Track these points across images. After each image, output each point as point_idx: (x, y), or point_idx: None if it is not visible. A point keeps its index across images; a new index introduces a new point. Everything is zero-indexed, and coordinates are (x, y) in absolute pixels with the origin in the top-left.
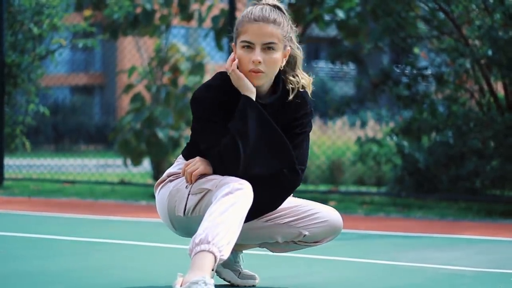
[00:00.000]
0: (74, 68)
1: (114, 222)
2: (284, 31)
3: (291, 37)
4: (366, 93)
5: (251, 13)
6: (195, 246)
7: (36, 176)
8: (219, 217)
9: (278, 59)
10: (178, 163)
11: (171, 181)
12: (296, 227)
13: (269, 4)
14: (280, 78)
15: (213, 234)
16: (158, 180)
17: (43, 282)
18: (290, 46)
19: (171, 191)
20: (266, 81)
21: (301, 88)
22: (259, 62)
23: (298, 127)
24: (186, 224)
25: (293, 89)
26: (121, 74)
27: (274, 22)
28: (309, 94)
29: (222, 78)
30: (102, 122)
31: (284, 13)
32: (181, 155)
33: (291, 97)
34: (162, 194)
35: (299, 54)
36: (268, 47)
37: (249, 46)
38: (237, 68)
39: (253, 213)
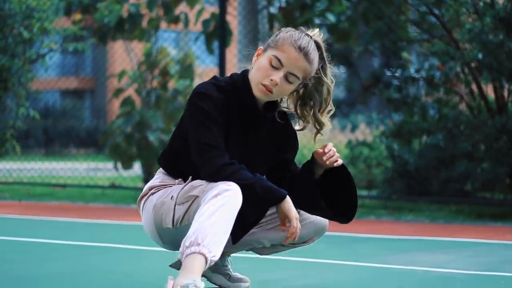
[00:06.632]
0: (65, 72)
1: (105, 225)
2: (312, 70)
3: (318, 72)
4: (356, 96)
5: (298, 39)
6: (185, 249)
7: (26, 179)
8: (208, 219)
9: (290, 91)
10: (158, 177)
11: (153, 194)
12: (282, 231)
13: (316, 42)
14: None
15: (203, 236)
16: (140, 195)
17: (34, 286)
18: (312, 81)
19: (155, 204)
20: (268, 100)
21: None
22: (276, 84)
23: (290, 152)
24: (175, 235)
25: (285, 113)
26: (111, 78)
27: (310, 62)
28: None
29: (226, 82)
30: (93, 126)
31: (321, 52)
32: (160, 170)
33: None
34: (146, 209)
35: (325, 91)
36: (290, 77)
37: (277, 63)
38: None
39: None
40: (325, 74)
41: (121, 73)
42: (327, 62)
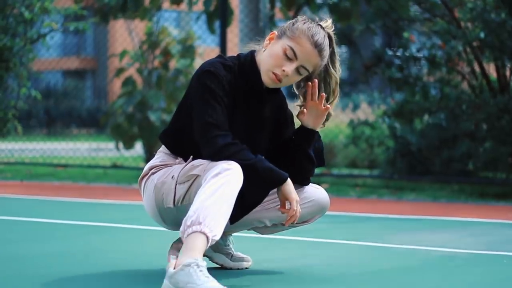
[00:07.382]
0: (66, 52)
1: (107, 205)
2: (321, 65)
3: (327, 64)
4: (358, 75)
5: (315, 35)
6: (186, 228)
7: (28, 160)
8: (209, 198)
9: (296, 81)
10: (159, 157)
11: (153, 173)
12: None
13: (328, 35)
14: None
15: (204, 215)
16: (141, 175)
17: (36, 265)
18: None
19: (156, 184)
20: (274, 87)
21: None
22: (287, 75)
23: (288, 133)
24: (176, 215)
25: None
26: (112, 58)
27: (323, 58)
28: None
29: (232, 62)
30: (94, 106)
31: (332, 47)
32: (162, 148)
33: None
34: (147, 189)
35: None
36: (301, 69)
37: (292, 55)
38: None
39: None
40: (334, 67)
41: (122, 52)
42: (336, 54)
